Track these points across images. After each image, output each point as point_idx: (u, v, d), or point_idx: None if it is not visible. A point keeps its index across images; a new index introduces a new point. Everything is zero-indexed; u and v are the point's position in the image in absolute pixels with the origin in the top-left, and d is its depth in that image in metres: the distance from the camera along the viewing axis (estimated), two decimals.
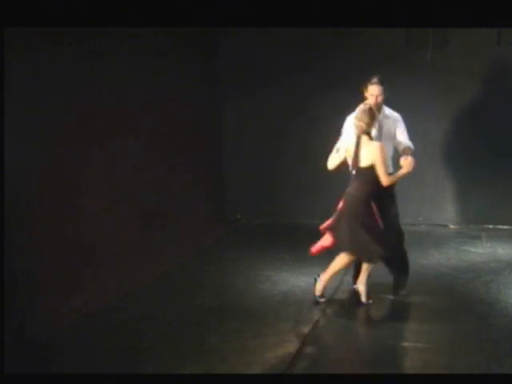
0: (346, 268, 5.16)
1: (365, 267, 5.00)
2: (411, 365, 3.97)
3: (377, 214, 4.90)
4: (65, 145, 5.07)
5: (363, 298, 5.01)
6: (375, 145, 4.89)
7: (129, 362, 4.06)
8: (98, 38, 5.33)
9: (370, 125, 4.89)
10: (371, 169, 4.85)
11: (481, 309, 4.95)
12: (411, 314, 4.85)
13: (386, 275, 5.67)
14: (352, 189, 4.93)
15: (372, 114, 4.89)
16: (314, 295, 5.10)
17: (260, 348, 4.27)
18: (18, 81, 4.35)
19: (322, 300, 5.07)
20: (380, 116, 5.13)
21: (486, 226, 7.76)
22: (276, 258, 5.51)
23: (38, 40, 4.57)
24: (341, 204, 4.97)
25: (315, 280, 5.12)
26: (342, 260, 4.99)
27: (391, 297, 5.19)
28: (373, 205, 4.88)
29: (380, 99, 5.12)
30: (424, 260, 6.41)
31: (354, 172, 4.94)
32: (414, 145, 7.88)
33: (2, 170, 3.83)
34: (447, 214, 7.98)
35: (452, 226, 7.91)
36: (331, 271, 5.04)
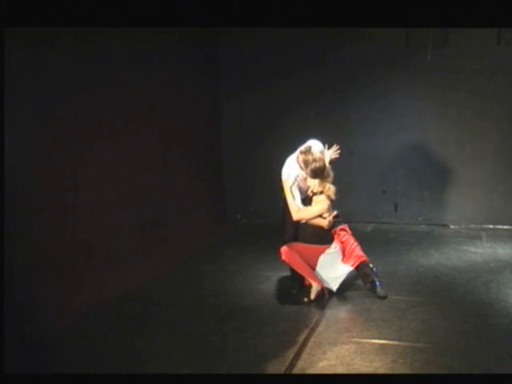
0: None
1: None
2: (411, 365, 3.97)
3: None
4: (64, 144, 5.08)
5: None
6: None
7: (129, 362, 4.06)
8: (98, 38, 5.33)
9: None
10: None
11: (481, 309, 4.95)
12: (411, 314, 4.84)
13: (384, 276, 5.69)
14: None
15: None
16: (310, 299, 5.17)
17: (260, 348, 4.28)
18: (18, 81, 4.36)
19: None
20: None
21: (485, 226, 7.76)
22: (276, 258, 5.48)
23: (38, 40, 4.58)
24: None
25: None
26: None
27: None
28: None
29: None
30: (424, 260, 6.41)
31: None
32: (414, 144, 7.97)
33: (1, 170, 3.83)
34: (447, 214, 7.98)
35: (452, 226, 7.91)
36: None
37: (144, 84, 6.28)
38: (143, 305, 5.21)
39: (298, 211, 5.17)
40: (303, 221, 5.23)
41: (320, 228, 5.19)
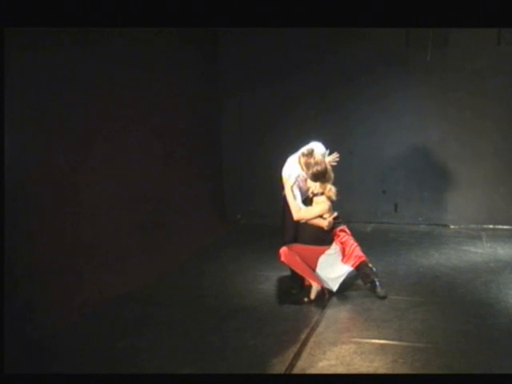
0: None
1: None
2: (411, 365, 3.97)
3: None
4: (64, 145, 5.08)
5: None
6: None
7: (129, 362, 4.06)
8: (98, 38, 5.33)
9: None
10: None
11: (481, 309, 4.95)
12: (411, 314, 4.84)
13: (384, 276, 5.69)
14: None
15: None
16: (310, 299, 5.17)
17: (260, 348, 4.27)
18: (18, 81, 4.36)
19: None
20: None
21: (485, 226, 7.76)
22: (275, 257, 5.49)
23: (38, 40, 4.58)
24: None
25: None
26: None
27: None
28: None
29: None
30: (424, 260, 6.41)
31: None
32: (414, 144, 7.97)
33: (2, 170, 3.83)
34: (447, 214, 7.98)
35: (452, 226, 7.91)
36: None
37: (144, 84, 6.28)
38: (143, 305, 5.21)
39: (299, 211, 5.17)
40: (303, 221, 5.23)
41: (320, 229, 5.19)
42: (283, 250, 5.07)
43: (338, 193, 5.26)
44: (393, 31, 7.37)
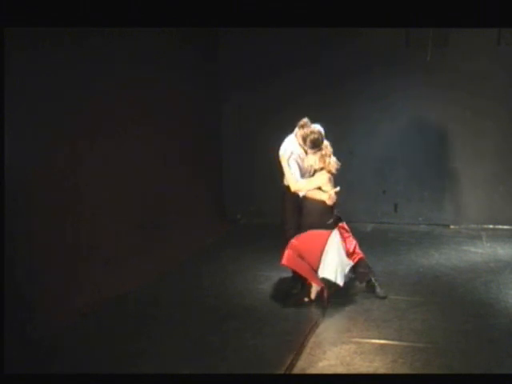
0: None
1: None
2: (411, 365, 3.97)
3: None
4: (64, 145, 5.08)
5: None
6: None
7: (129, 362, 4.06)
8: (98, 38, 5.33)
9: None
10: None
11: (481, 309, 4.95)
12: (411, 314, 4.85)
13: (384, 276, 5.69)
14: None
15: None
16: (310, 299, 5.16)
17: (260, 348, 4.27)
18: (18, 81, 4.36)
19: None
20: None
21: (485, 226, 7.76)
22: (276, 257, 5.49)
23: (37, 40, 4.58)
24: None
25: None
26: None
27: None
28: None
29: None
30: (424, 260, 6.41)
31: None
32: (414, 144, 7.98)
33: (1, 170, 3.83)
34: (447, 214, 7.99)
35: (452, 226, 7.91)
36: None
37: (144, 84, 6.28)
38: (143, 305, 5.21)
39: (296, 182, 5.15)
40: (301, 192, 5.18)
41: (322, 204, 5.10)
42: (287, 253, 5.01)
43: (339, 164, 5.19)
44: (393, 31, 7.37)
